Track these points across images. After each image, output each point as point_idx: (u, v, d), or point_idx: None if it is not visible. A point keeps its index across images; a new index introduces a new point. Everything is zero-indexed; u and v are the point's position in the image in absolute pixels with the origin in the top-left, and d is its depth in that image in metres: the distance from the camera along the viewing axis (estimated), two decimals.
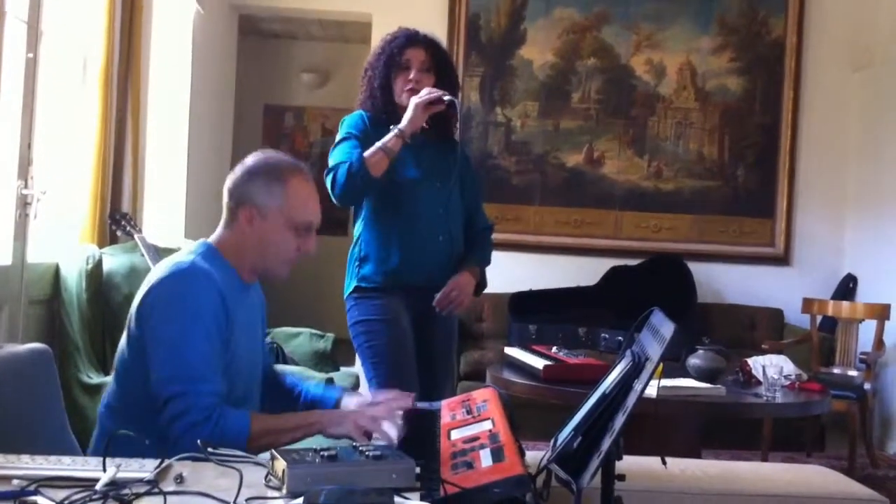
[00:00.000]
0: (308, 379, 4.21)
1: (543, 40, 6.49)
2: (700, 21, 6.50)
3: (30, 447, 1.78)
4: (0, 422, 1.97)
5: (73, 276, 3.71)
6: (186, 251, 2.17)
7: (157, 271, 2.11)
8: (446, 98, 3.11)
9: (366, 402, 2.21)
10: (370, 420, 2.00)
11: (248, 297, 2.25)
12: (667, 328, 1.62)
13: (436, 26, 5.99)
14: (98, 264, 3.78)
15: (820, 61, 6.51)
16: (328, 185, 3.07)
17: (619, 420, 1.54)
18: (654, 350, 1.63)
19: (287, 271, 2.21)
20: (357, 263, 3.17)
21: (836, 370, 5.25)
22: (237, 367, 2.13)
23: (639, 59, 6.50)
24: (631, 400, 1.56)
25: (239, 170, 2.19)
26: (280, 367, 4.41)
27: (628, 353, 1.73)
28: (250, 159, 2.21)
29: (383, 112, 3.16)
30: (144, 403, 2.00)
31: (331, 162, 3.10)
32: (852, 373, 5.15)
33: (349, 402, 2.25)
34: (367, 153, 3.00)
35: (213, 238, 2.20)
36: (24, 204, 3.49)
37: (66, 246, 3.93)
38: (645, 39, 6.50)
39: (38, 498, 1.39)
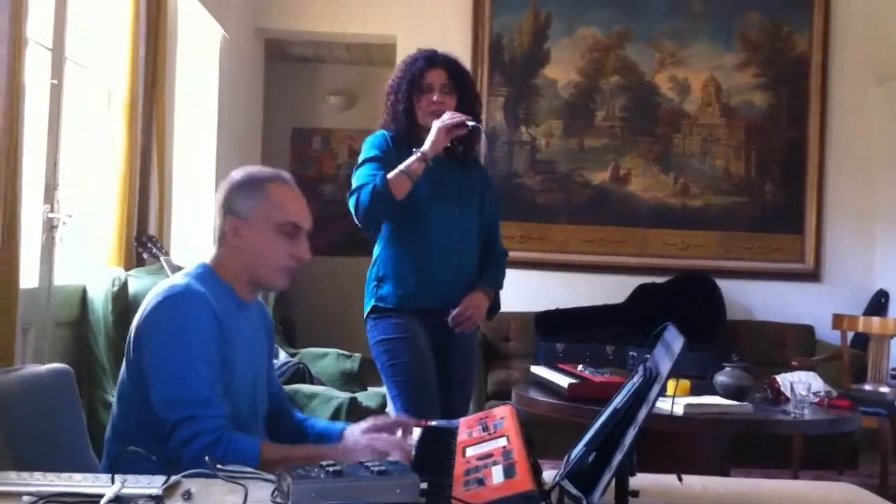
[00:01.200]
0: (331, 399, 4.26)
1: (567, 59, 6.50)
2: (722, 37, 6.48)
3: (51, 466, 1.79)
4: (21, 441, 1.98)
5: (100, 298, 3.74)
6: (183, 273, 2.16)
7: (152, 295, 2.09)
8: (470, 123, 3.12)
9: (371, 429, 2.17)
10: (383, 445, 1.98)
11: (249, 316, 2.22)
12: (677, 343, 1.61)
13: (459, 47, 6.03)
14: (124, 286, 3.81)
15: (845, 75, 6.47)
16: (352, 206, 3.10)
17: (631, 435, 1.53)
18: (665, 364, 1.61)
19: (284, 280, 2.18)
20: (375, 283, 3.20)
21: (867, 387, 5.18)
22: (238, 387, 2.11)
23: (663, 76, 6.49)
24: (642, 414, 1.54)
25: (222, 186, 2.19)
26: (306, 387, 4.45)
27: (641, 368, 1.72)
28: (233, 174, 2.20)
29: (406, 134, 3.18)
30: (148, 428, 1.98)
31: (354, 183, 3.13)
32: (884, 389, 5.08)
33: (354, 431, 2.19)
34: (389, 175, 3.02)
35: (209, 258, 2.19)
36: (50, 227, 3.53)
37: (93, 269, 3.97)
38: (668, 57, 6.49)
39: None
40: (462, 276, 3.20)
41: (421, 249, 3.15)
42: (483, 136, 3.26)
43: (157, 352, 2.01)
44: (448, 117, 3.08)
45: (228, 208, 2.15)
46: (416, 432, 2.15)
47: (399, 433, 2.12)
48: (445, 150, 3.15)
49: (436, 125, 3.08)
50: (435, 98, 3.18)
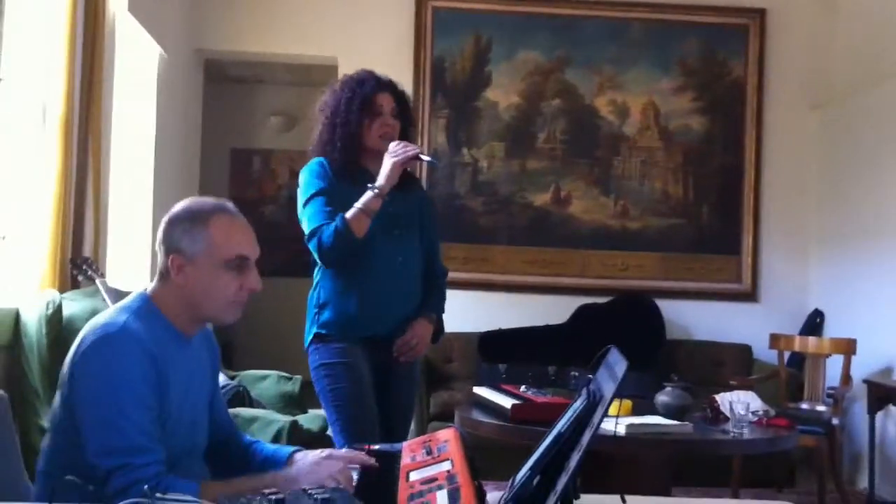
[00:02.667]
0: (272, 423, 4.20)
1: (508, 82, 6.55)
2: (660, 62, 6.60)
3: None
4: None
5: (33, 321, 3.65)
6: (120, 306, 2.08)
7: (87, 330, 2.02)
8: (425, 158, 3.10)
9: (319, 458, 2.13)
10: (325, 478, 1.94)
11: (189, 351, 2.15)
12: (620, 366, 1.61)
13: (401, 69, 6.05)
14: (58, 309, 3.73)
15: (779, 101, 6.62)
16: (313, 248, 3.03)
17: (575, 458, 1.53)
18: (609, 387, 1.62)
19: (234, 313, 2.12)
20: (316, 311, 3.15)
21: (804, 405, 5.27)
22: (175, 428, 2.04)
23: (602, 99, 6.57)
24: (586, 437, 1.54)
25: (164, 220, 2.11)
26: (246, 411, 4.38)
27: (584, 391, 1.72)
28: (174, 207, 2.13)
29: (347, 159, 3.11)
30: (81, 464, 1.90)
31: (307, 223, 3.05)
32: (820, 408, 5.17)
33: (302, 459, 2.14)
34: (348, 215, 2.96)
35: (150, 289, 2.12)
36: None
37: (27, 291, 3.87)
38: (607, 81, 6.58)
39: None
40: (406, 301, 3.18)
41: (364, 276, 3.09)
42: (438, 170, 3.20)
43: (90, 397, 1.94)
44: (401, 150, 3.02)
45: (170, 245, 2.07)
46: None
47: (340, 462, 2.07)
48: None
49: (389, 159, 3.01)
50: (389, 122, 3.14)
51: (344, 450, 2.27)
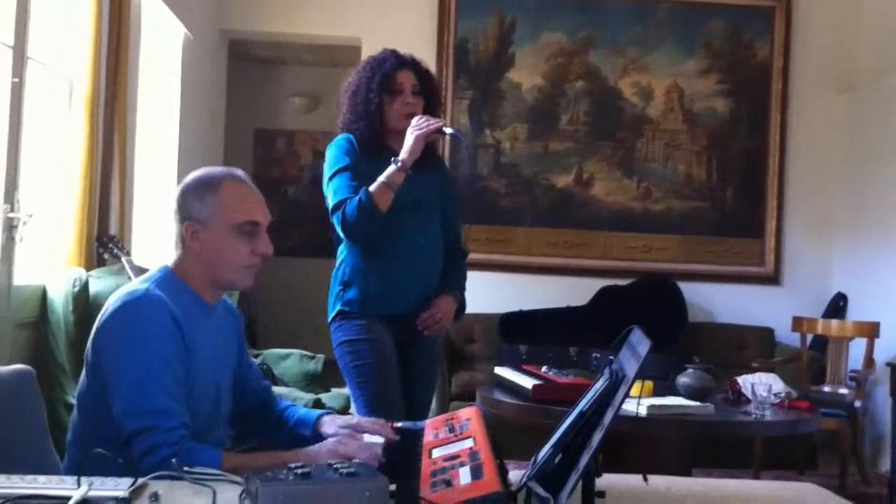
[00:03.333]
0: (295, 401, 4.23)
1: (531, 64, 6.53)
2: (685, 44, 6.56)
3: (12, 467, 1.77)
4: None
5: (60, 298, 3.70)
6: (142, 278, 2.13)
7: (112, 300, 2.07)
8: (448, 131, 3.09)
9: (345, 425, 2.17)
10: (349, 448, 1.97)
11: (214, 319, 2.20)
12: (643, 346, 1.62)
13: (424, 50, 6.04)
14: (85, 287, 3.77)
15: (805, 84, 6.56)
16: (337, 222, 3.03)
17: (597, 437, 1.54)
18: (632, 367, 1.63)
19: (247, 278, 2.16)
20: (340, 288, 3.16)
21: (826, 388, 5.26)
22: (200, 394, 2.09)
23: (626, 81, 6.55)
24: (608, 417, 1.55)
25: (176, 190, 2.16)
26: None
27: (607, 370, 1.73)
28: (186, 178, 2.18)
29: (373, 136, 3.12)
30: (109, 433, 1.96)
31: (332, 196, 3.06)
32: (843, 391, 5.16)
33: (329, 424, 2.21)
34: (371, 188, 2.97)
35: (170, 262, 2.16)
36: (10, 227, 3.48)
37: (53, 269, 3.92)
38: (631, 63, 6.54)
39: None
40: (427, 281, 3.19)
41: (388, 256, 3.10)
42: (463, 144, 3.19)
43: (116, 360, 1.98)
44: (424, 124, 3.02)
45: (184, 213, 2.12)
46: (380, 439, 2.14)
47: (366, 437, 2.11)
48: None
49: (412, 133, 3.01)
50: (409, 100, 3.13)
51: (369, 418, 2.31)
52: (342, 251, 3.19)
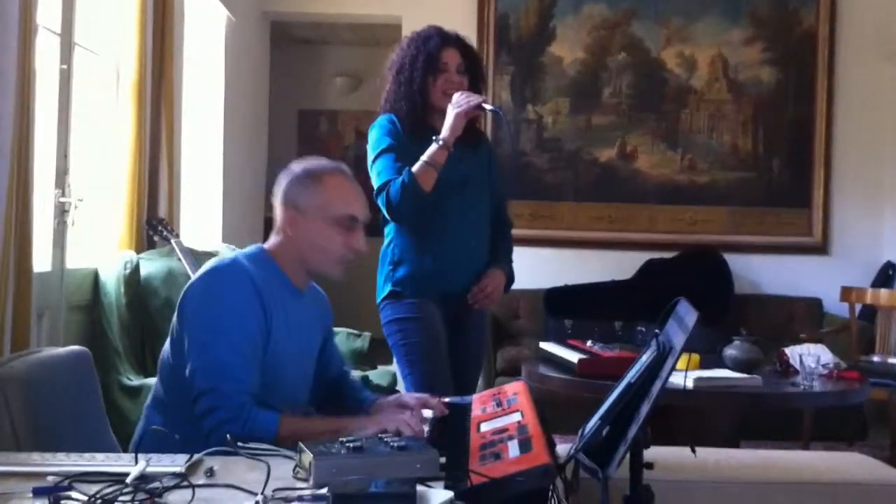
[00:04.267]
0: None
1: (573, 37, 6.48)
2: (729, 13, 6.45)
3: (71, 447, 1.82)
4: (41, 422, 2.02)
5: (112, 281, 3.77)
6: (234, 252, 2.23)
7: (200, 270, 2.18)
8: (488, 107, 3.08)
9: (398, 402, 2.23)
10: (398, 424, 2.01)
11: (301, 304, 2.27)
12: (690, 317, 1.63)
13: (465, 26, 6.00)
14: (136, 269, 3.84)
15: (852, 51, 6.44)
16: (382, 203, 3.05)
17: (645, 408, 1.55)
18: (679, 339, 1.63)
19: (339, 270, 2.23)
20: (391, 267, 3.17)
21: (875, 359, 5.18)
22: (280, 368, 2.15)
23: (669, 52, 6.47)
24: (656, 388, 1.56)
25: (281, 177, 2.25)
26: None
27: (654, 342, 1.74)
28: (292, 165, 2.26)
29: (417, 115, 3.11)
30: (188, 399, 2.04)
31: (376, 178, 3.07)
32: (893, 361, 5.09)
33: (383, 403, 2.29)
34: (414, 168, 2.97)
35: (267, 243, 2.26)
36: (62, 212, 3.56)
37: (105, 252, 3.99)
38: (675, 33, 6.47)
39: (71, 492, 1.43)
40: (477, 257, 3.20)
41: (439, 234, 3.11)
42: (504, 120, 3.18)
43: (195, 322, 2.08)
44: (464, 100, 3.00)
45: (287, 200, 2.20)
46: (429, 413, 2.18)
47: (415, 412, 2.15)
48: None
49: (452, 110, 3.00)
50: (455, 79, 3.12)
51: (415, 394, 2.36)
52: (390, 231, 3.20)
